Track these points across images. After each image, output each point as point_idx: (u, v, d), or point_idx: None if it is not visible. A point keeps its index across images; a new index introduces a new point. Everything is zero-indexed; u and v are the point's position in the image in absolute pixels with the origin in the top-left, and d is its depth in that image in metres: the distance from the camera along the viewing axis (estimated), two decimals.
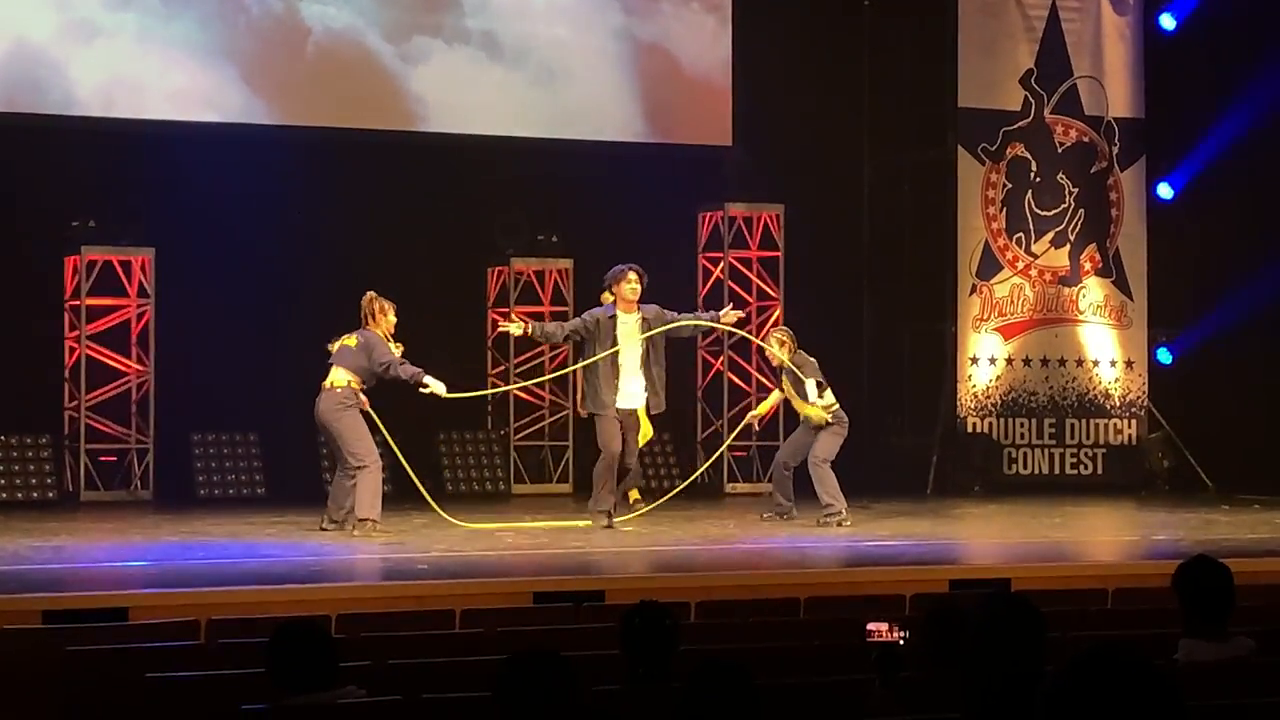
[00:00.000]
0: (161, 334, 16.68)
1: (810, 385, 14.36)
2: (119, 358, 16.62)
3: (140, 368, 16.66)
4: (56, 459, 16.46)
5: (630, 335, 13.87)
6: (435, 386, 13.28)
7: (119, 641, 7.95)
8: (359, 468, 13.04)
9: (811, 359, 14.50)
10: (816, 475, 14.28)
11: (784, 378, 14.59)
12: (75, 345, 16.64)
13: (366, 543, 12.59)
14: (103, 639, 8.00)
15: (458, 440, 17.68)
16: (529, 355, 17.85)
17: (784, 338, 14.58)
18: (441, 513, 13.95)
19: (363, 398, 13.19)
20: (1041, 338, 18.94)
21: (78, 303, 16.61)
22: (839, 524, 14.02)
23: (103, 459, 16.61)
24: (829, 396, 14.41)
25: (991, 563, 12.44)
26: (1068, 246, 19.01)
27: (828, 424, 14.35)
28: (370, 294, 13.33)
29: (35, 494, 16.16)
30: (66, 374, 16.70)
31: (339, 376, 13.17)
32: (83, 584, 10.44)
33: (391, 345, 13.20)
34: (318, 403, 13.17)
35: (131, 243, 16.67)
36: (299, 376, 16.65)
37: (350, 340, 13.20)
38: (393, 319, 13.28)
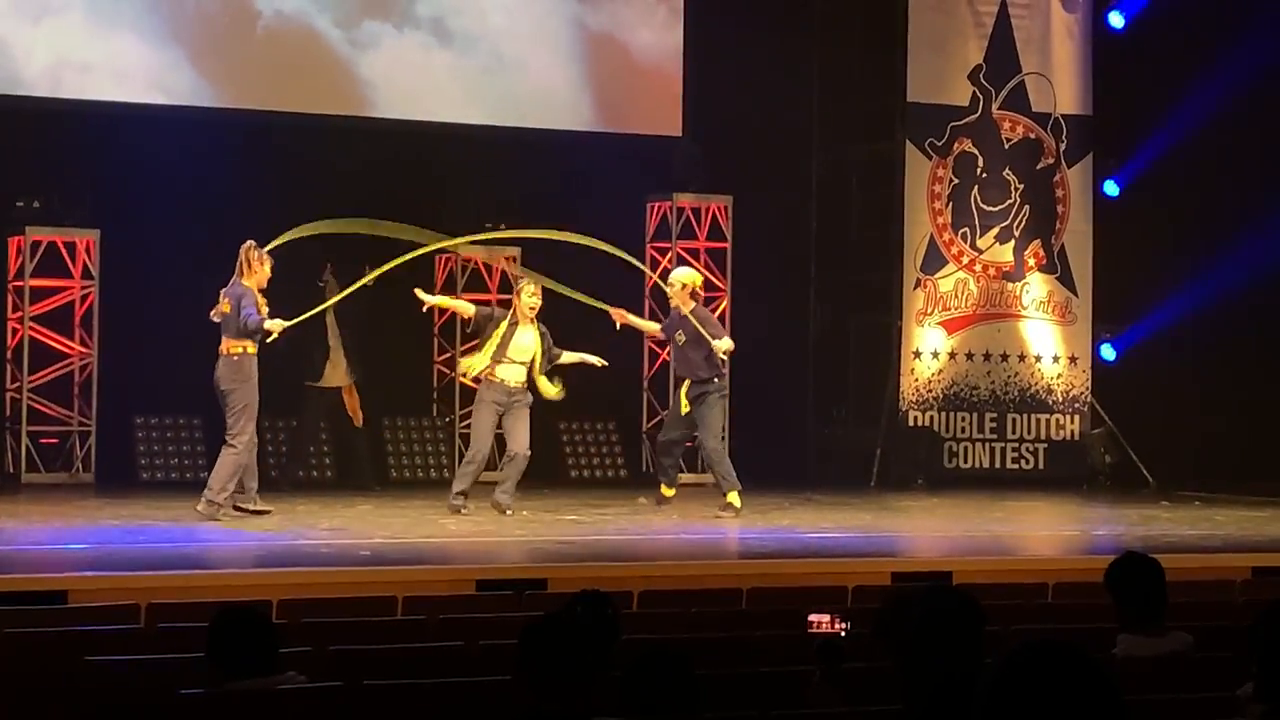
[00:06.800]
0: (105, 316, 16.58)
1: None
2: (62, 339, 16.52)
3: (83, 350, 16.56)
4: None
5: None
6: (273, 325, 12.70)
7: (58, 624, 7.91)
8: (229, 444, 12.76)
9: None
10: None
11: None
12: (18, 326, 16.52)
13: (244, 527, 12.44)
14: (42, 621, 7.97)
15: (401, 427, 17.62)
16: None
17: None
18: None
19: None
20: (984, 332, 18.99)
21: (21, 283, 16.49)
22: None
23: (44, 441, 16.51)
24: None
25: (933, 556, 12.51)
26: (1012, 242, 19.06)
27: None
28: (250, 243, 12.98)
29: None
30: (9, 355, 16.59)
31: (226, 345, 12.81)
32: (22, 566, 10.38)
33: (260, 301, 12.79)
34: (215, 367, 12.88)
35: (76, 224, 16.56)
36: None
37: (225, 305, 12.82)
38: (268, 272, 12.88)
